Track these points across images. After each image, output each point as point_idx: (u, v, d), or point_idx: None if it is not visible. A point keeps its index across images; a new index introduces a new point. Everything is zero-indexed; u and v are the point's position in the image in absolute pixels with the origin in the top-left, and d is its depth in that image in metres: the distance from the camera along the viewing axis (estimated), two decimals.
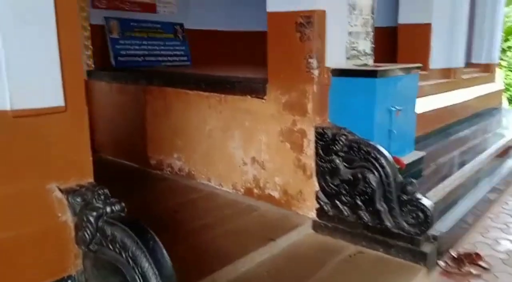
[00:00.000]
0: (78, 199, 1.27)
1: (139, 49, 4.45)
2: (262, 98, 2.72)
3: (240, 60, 4.86)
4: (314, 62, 2.43)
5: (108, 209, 1.26)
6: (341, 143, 2.41)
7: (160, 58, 4.64)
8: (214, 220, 2.55)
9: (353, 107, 2.51)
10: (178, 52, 4.83)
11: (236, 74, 3.26)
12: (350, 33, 2.73)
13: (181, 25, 4.91)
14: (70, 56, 1.36)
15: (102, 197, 1.30)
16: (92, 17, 4.09)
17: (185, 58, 4.90)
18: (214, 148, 3.10)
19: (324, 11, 2.45)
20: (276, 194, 2.76)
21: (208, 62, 4.89)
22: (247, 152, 2.89)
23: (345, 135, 2.41)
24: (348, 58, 2.72)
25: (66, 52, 1.35)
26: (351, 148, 2.38)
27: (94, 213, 1.25)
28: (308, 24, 2.42)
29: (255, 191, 2.88)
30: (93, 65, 4.12)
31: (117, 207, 1.29)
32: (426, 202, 2.20)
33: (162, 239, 1.30)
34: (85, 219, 1.25)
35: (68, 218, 1.32)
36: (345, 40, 2.69)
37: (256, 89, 2.74)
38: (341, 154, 2.42)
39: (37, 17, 1.28)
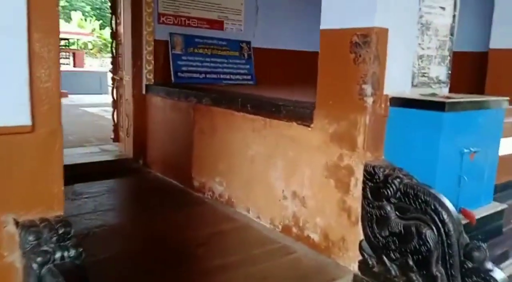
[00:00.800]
0: (31, 237, 1.06)
1: (201, 66, 4.36)
2: (308, 126, 2.39)
3: (306, 81, 4.56)
4: (368, 88, 2.06)
5: (58, 255, 1.03)
6: (394, 187, 1.99)
7: (222, 76, 4.51)
8: (239, 260, 2.25)
9: (414, 145, 2.08)
10: (241, 71, 4.68)
11: (291, 97, 2.98)
12: (420, 57, 2.31)
13: (248, 43, 4.76)
14: (44, 70, 1.16)
15: (57, 238, 1.07)
16: (157, 33, 4.09)
17: (248, 76, 4.72)
18: (256, 175, 2.81)
19: (386, 30, 2.07)
20: (315, 237, 2.39)
21: (272, 81, 4.67)
22: (288, 184, 2.56)
23: (399, 178, 1.99)
24: (415, 85, 2.30)
25: (38, 65, 1.15)
26: (406, 194, 1.95)
27: (39, 258, 1.02)
28: (364, 44, 2.06)
29: (294, 229, 2.53)
30: (153, 80, 4.10)
31: (71, 253, 1.05)
32: (499, 275, 1.69)
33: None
34: (29, 264, 1.03)
35: (16, 258, 1.12)
36: (413, 64, 2.27)
37: (302, 116, 2.42)
38: (393, 200, 1.99)
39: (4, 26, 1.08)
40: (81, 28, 22.92)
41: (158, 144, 4.00)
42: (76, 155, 4.48)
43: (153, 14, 4.03)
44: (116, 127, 4.69)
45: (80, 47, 22.60)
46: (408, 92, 2.22)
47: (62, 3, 29.27)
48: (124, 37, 4.20)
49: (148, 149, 4.15)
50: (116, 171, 4.00)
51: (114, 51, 4.56)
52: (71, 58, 19.62)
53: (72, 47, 20.59)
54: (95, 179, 3.72)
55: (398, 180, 1.99)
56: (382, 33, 2.06)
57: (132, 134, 4.19)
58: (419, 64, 2.29)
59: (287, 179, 2.57)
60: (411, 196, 1.93)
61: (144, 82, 4.07)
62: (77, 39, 22.69)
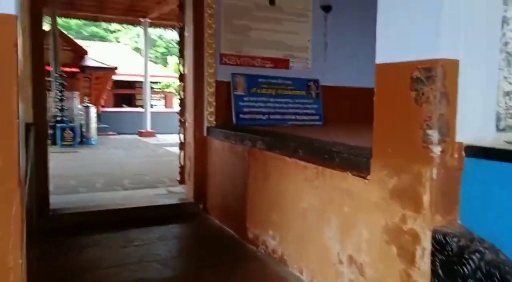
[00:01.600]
0: None
1: (264, 106, 4.16)
2: (365, 178, 2.00)
3: None
4: (434, 134, 1.64)
5: None
6: (472, 265, 1.51)
7: (287, 117, 4.26)
8: None
9: (500, 209, 1.59)
10: (308, 111, 4.38)
11: (357, 139, 2.61)
12: (507, 93, 1.83)
13: (316, 81, 4.48)
14: None
15: None
16: (219, 74, 4.01)
17: (316, 117, 4.41)
18: (309, 232, 2.45)
19: (455, 62, 1.66)
20: None
21: (342, 121, 4.30)
22: (344, 247, 2.16)
23: (480, 252, 1.51)
24: (501, 129, 1.81)
25: None
26: (490, 275, 1.46)
27: None
28: (427, 80, 1.66)
29: None
30: (214, 122, 3.98)
31: None
32: None
33: None
34: None
35: None
36: (498, 103, 1.80)
37: (358, 165, 2.04)
38: (471, 281, 1.51)
39: None
40: (176, 72, 24.58)
41: (217, 189, 3.82)
42: (143, 197, 4.49)
43: (215, 55, 3.97)
44: (182, 170, 4.64)
45: (175, 89, 24.22)
46: (490, 139, 1.74)
47: (161, 50, 32.04)
48: (187, 79, 4.19)
49: (208, 194, 3.99)
50: (175, 216, 3.88)
51: (181, 93, 4.58)
52: (164, 100, 21.01)
53: (167, 90, 22.07)
54: (152, 223, 3.63)
55: (478, 255, 1.51)
56: (451, 65, 1.65)
57: (193, 178, 4.07)
58: (506, 103, 1.81)
59: (342, 240, 2.17)
60: (496, 279, 1.44)
61: (206, 124, 3.97)
62: (173, 82, 24.36)
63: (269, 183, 2.87)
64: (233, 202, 3.45)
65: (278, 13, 4.29)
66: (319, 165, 2.34)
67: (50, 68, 11.11)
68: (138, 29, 18.11)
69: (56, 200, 3.94)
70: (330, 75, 4.53)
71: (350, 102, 4.50)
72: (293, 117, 4.30)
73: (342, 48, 4.56)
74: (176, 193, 4.56)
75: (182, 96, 4.54)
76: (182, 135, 4.58)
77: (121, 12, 13.92)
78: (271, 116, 4.18)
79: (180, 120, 4.63)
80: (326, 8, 4.50)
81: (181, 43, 4.46)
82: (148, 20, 13.99)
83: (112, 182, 5.85)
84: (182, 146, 4.58)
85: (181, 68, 4.53)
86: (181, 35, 4.44)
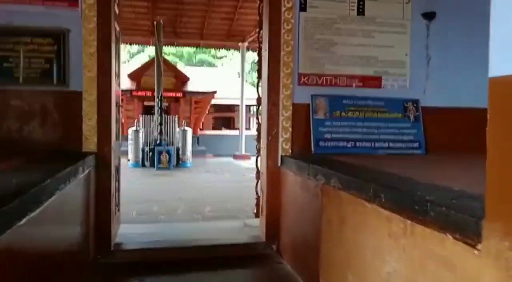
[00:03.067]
0: None
1: (350, 132, 3.56)
2: (474, 247, 1.33)
3: None
4: None
5: None
6: None
7: (378, 144, 3.59)
8: None
9: None
10: (405, 137, 3.66)
11: (467, 179, 1.93)
12: None
13: (415, 101, 3.75)
14: None
15: None
16: (296, 96, 3.53)
17: (415, 144, 3.66)
18: None
19: None
20: None
21: (449, 150, 3.49)
22: None
23: None
24: None
25: None
26: None
27: None
28: None
29: None
30: (290, 150, 3.49)
31: None
32: None
33: None
34: None
35: None
36: None
37: (462, 225, 1.38)
38: None
39: None
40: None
41: (289, 228, 3.29)
42: (217, 231, 4.15)
43: (292, 75, 3.51)
44: (258, 201, 4.20)
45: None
46: None
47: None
48: (262, 102, 3.78)
49: (281, 233, 3.48)
50: (245, 257, 3.43)
51: (259, 117, 4.19)
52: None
53: None
54: (219, 266, 3.22)
55: None
56: None
57: (266, 213, 3.60)
58: None
59: None
60: None
61: (280, 153, 3.49)
62: None
63: (345, 231, 2.27)
64: (305, 247, 2.89)
65: (368, 24, 3.70)
66: (407, 218, 1.70)
67: (154, 93, 11.71)
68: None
69: (124, 230, 3.77)
70: (433, 94, 3.77)
71: (461, 127, 3.66)
72: (385, 145, 3.61)
73: (449, 62, 3.77)
74: (252, 227, 4.12)
75: (260, 121, 4.14)
76: (258, 163, 4.16)
77: (221, 38, 14.33)
78: (358, 144, 3.56)
79: (256, 147, 4.23)
80: (429, 16, 3.78)
81: (259, 63, 4.09)
82: (246, 44, 14.16)
83: (193, 208, 5.66)
84: (258, 175, 4.15)
85: (259, 90, 4.15)
86: (260, 54, 4.08)
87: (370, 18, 3.70)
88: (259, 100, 4.11)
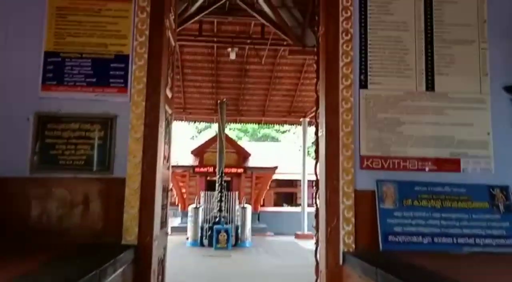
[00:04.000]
0: None
1: (425, 225, 3.00)
2: None
3: None
4: None
5: None
6: None
7: (461, 240, 2.98)
8: None
9: None
10: (495, 231, 3.02)
11: None
12: None
13: (504, 188, 3.15)
14: None
15: None
16: (358, 181, 3.11)
17: (508, 241, 3.00)
18: None
19: None
20: None
21: None
22: None
23: None
24: None
25: None
26: None
27: None
28: None
29: None
30: (353, 246, 2.99)
31: None
32: None
33: None
34: None
35: None
36: None
37: None
38: None
39: None
40: None
41: None
42: None
43: (353, 158, 3.12)
44: None
45: None
46: None
47: None
48: (319, 187, 3.39)
49: None
50: None
51: (317, 202, 3.76)
52: None
53: None
54: None
55: None
56: None
57: None
58: None
59: None
60: None
61: (342, 248, 3.00)
62: None
63: None
64: None
65: (439, 100, 3.28)
66: None
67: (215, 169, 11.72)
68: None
69: None
70: None
71: None
72: (470, 240, 2.99)
73: None
74: None
75: (318, 206, 3.71)
76: (317, 255, 3.65)
77: (282, 114, 14.45)
78: (436, 239, 2.97)
79: (314, 236, 3.75)
80: None
81: (316, 144, 3.76)
82: (307, 119, 14.09)
83: None
84: (317, 270, 3.63)
85: (317, 172, 3.78)
86: (317, 134, 3.76)
87: (441, 94, 3.29)
88: (317, 183, 3.72)
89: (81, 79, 3.02)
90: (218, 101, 12.58)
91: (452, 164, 3.22)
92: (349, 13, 3.30)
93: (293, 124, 16.03)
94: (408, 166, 3.19)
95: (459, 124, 3.27)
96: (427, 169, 3.20)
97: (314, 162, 3.82)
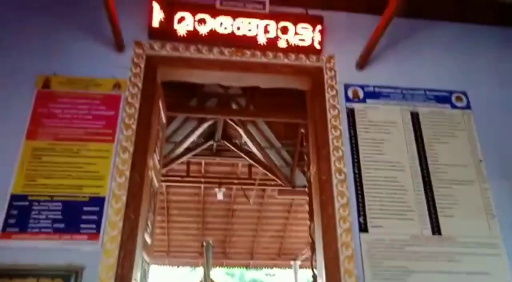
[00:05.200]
0: None
1: None
2: None
3: None
4: None
5: None
6: None
7: None
8: None
9: None
10: None
11: None
12: None
13: None
14: None
15: None
16: None
17: None
18: None
19: None
20: None
21: None
22: None
23: None
24: None
25: None
26: None
27: None
28: None
29: None
30: None
31: None
32: None
33: None
34: None
35: None
36: None
37: None
38: None
39: None
40: None
41: None
42: None
43: None
44: None
45: None
46: None
47: None
48: None
49: None
50: None
51: None
52: None
53: None
54: None
55: None
56: None
57: None
58: None
59: None
60: None
61: None
62: None
63: None
64: None
65: (449, 246, 2.97)
66: None
67: None
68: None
69: None
70: None
71: None
72: None
73: None
74: None
75: None
76: None
77: (272, 256, 13.68)
78: None
79: None
80: None
81: None
82: (298, 262, 13.32)
83: None
84: None
85: None
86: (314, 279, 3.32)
87: (449, 238, 2.98)
88: None
89: (48, 225, 2.67)
90: (204, 243, 11.94)
91: None
92: (340, 153, 3.19)
93: (283, 267, 15.09)
94: None
95: (474, 273, 2.90)
96: None
97: None
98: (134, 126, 3.01)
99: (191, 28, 3.39)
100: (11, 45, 3.21)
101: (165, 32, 3.38)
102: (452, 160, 3.27)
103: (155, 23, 3.35)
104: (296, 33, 3.49)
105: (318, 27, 3.52)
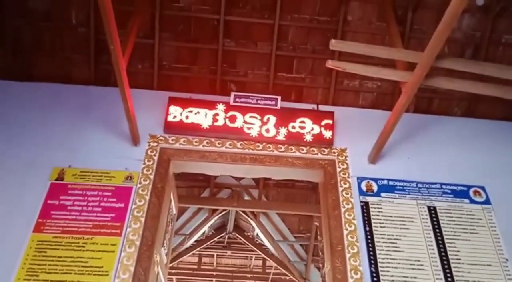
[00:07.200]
0: None
1: None
2: None
3: None
4: None
5: None
6: None
7: None
8: None
9: None
10: None
11: None
12: None
13: None
14: None
15: None
16: None
17: None
18: None
19: None
20: None
21: None
22: None
23: None
24: None
25: None
26: None
27: None
28: None
29: None
30: None
31: None
32: None
33: None
34: None
35: None
36: None
37: None
38: None
39: None
40: None
41: None
42: None
43: None
44: None
45: None
46: None
47: None
48: None
49: None
50: None
51: None
52: None
53: None
54: None
55: None
56: None
57: None
58: None
59: None
60: None
61: None
62: None
63: None
64: None
65: None
66: None
67: None
68: None
69: None
70: None
71: None
72: None
73: None
74: None
75: None
76: None
77: None
78: None
79: None
80: None
81: None
82: None
83: None
84: None
85: None
86: None
87: None
88: None
89: None
90: None
91: None
92: (356, 249, 3.03)
93: None
94: None
95: None
96: None
97: None
98: (142, 219, 2.96)
99: (204, 123, 3.49)
100: (31, 139, 3.32)
101: (180, 126, 3.49)
102: (475, 259, 3.07)
103: (171, 118, 3.48)
104: (307, 127, 3.56)
105: (329, 121, 3.59)
